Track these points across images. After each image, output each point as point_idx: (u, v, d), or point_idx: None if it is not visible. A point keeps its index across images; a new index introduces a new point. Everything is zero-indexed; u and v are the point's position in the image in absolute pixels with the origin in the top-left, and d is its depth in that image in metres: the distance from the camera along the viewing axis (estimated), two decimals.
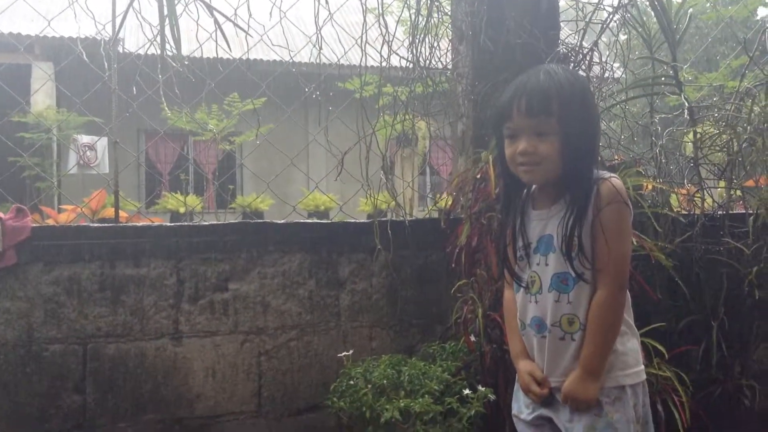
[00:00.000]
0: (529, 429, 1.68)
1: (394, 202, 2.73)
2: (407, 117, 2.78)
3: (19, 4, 2.84)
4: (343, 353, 2.19)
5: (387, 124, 2.78)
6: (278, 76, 3.17)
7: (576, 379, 1.56)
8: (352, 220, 2.63)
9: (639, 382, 1.59)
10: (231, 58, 2.76)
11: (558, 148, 1.52)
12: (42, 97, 9.48)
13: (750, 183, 2.94)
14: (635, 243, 2.33)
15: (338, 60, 2.58)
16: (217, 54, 2.63)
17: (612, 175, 1.57)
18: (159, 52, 2.34)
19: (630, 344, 1.59)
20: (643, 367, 1.61)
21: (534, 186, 1.68)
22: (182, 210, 7.69)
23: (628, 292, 1.60)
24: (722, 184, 2.95)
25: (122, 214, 2.67)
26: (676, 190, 2.78)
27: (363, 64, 2.51)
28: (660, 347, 2.35)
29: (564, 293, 1.56)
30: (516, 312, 1.69)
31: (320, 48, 2.50)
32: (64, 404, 2.33)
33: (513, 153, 1.57)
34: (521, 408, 1.70)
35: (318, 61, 2.55)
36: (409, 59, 2.63)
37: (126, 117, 3.01)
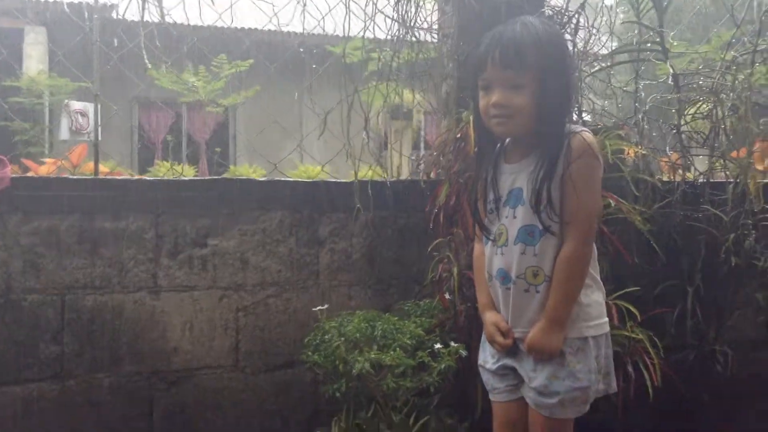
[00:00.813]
0: (494, 378, 1.70)
1: (380, 168, 2.73)
2: (395, 84, 2.78)
3: None
4: (318, 307, 2.20)
5: (374, 90, 2.77)
6: (266, 42, 3.16)
7: (540, 329, 1.58)
8: (333, 180, 2.63)
9: (602, 334, 1.61)
10: (217, 24, 2.74)
11: (532, 101, 1.52)
12: (34, 63, 9.41)
13: (733, 154, 2.95)
14: (612, 205, 2.35)
15: (323, 17, 2.56)
16: (200, 16, 2.62)
17: (583, 129, 1.58)
18: (141, 13, 2.34)
19: (594, 297, 1.61)
20: (606, 319, 1.64)
21: (507, 140, 1.68)
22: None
23: (594, 246, 1.61)
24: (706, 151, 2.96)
25: (103, 168, 2.67)
26: (658, 157, 2.79)
27: (347, 22, 2.49)
28: (633, 310, 2.38)
29: (530, 245, 1.57)
30: (484, 265, 1.70)
31: (305, 4, 2.48)
32: (41, 354, 2.35)
33: (486, 105, 1.58)
34: (486, 358, 1.73)
35: (302, 19, 2.54)
36: (395, 18, 2.62)
37: (118, 86, 3.00)
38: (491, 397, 1.76)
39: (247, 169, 7.81)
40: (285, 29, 2.82)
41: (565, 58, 1.60)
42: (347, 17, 2.51)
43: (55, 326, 2.36)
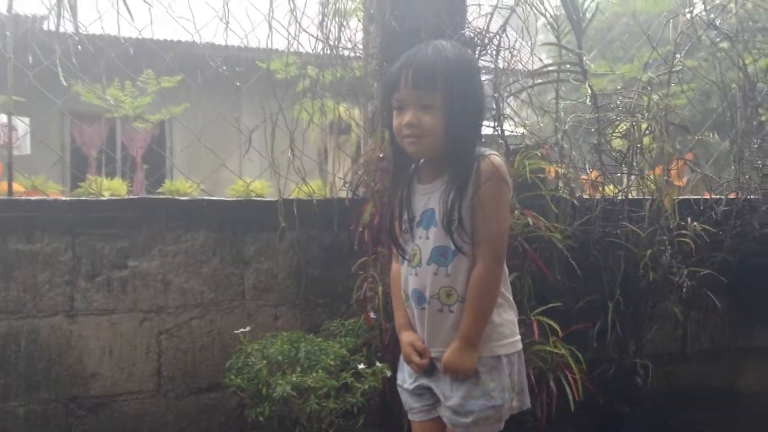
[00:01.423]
0: (412, 398, 1.71)
1: (328, 188, 2.72)
2: (320, 101, 2.78)
3: None
4: (240, 330, 2.16)
5: (300, 108, 2.77)
6: (198, 54, 3.10)
7: (455, 349, 1.59)
8: (260, 198, 2.61)
9: (514, 352, 1.63)
10: (138, 37, 2.68)
11: (441, 122, 1.54)
12: None
13: (649, 173, 3.05)
14: (531, 223, 2.40)
15: (246, 35, 2.54)
16: (119, 29, 2.56)
17: (492, 152, 1.61)
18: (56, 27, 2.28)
19: (506, 316, 1.63)
20: (519, 337, 1.66)
21: (422, 160, 1.70)
22: (107, 194, 7.47)
23: (505, 266, 1.64)
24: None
25: (18, 187, 2.57)
26: (578, 175, 2.86)
27: (270, 40, 2.48)
28: (555, 325, 2.43)
29: (443, 266, 1.59)
30: (401, 284, 1.71)
31: (227, 23, 2.46)
32: None
33: (399, 124, 1.59)
34: (405, 378, 1.73)
35: (226, 36, 2.52)
36: (319, 38, 2.62)
37: (48, 98, 2.90)
38: (410, 416, 1.76)
39: (183, 183, 7.66)
40: (215, 42, 2.79)
41: (474, 82, 1.63)
42: (270, 36, 2.50)
43: None
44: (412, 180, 1.69)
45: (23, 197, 2.42)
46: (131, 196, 2.43)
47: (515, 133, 2.78)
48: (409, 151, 1.62)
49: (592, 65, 2.86)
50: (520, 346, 1.66)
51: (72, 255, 2.36)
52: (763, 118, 3.10)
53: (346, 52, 2.61)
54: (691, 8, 3.05)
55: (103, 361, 2.38)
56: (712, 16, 3.12)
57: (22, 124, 8.65)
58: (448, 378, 1.62)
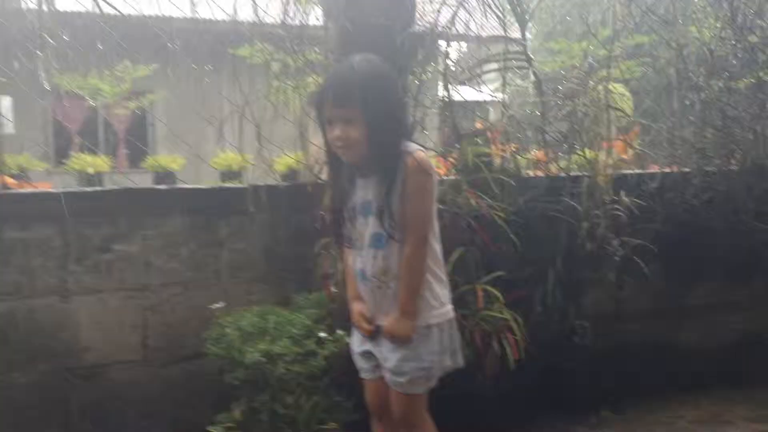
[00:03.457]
0: (361, 360, 2.02)
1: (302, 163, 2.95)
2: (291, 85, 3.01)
3: None
4: (215, 305, 2.44)
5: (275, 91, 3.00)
6: (181, 34, 3.27)
7: (394, 319, 1.88)
8: (231, 185, 2.87)
9: (444, 321, 1.92)
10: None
11: (364, 132, 1.79)
12: None
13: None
14: (474, 204, 2.67)
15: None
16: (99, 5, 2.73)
17: (418, 148, 1.87)
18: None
19: (436, 290, 1.91)
20: (449, 308, 1.95)
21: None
22: (91, 171, 7.64)
23: (433, 244, 1.91)
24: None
25: (9, 180, 2.81)
26: (522, 155, 3.13)
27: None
28: (497, 293, 2.73)
29: (379, 249, 1.87)
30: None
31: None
32: None
33: (331, 137, 1.85)
34: (355, 343, 2.03)
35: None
36: (283, 33, 2.85)
37: (30, 76, 3.07)
38: (360, 374, 2.07)
39: (166, 158, 7.84)
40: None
41: (389, 92, 1.86)
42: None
43: None
44: (353, 175, 1.95)
45: (15, 190, 2.66)
46: (114, 187, 2.66)
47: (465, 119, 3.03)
48: (343, 158, 1.88)
49: (532, 57, 3.08)
50: (450, 315, 1.95)
51: (62, 241, 2.61)
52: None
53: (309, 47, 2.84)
54: None
55: (94, 335, 2.65)
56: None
57: (4, 104, 8.77)
58: (388, 343, 1.91)
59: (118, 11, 2.76)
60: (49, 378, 2.62)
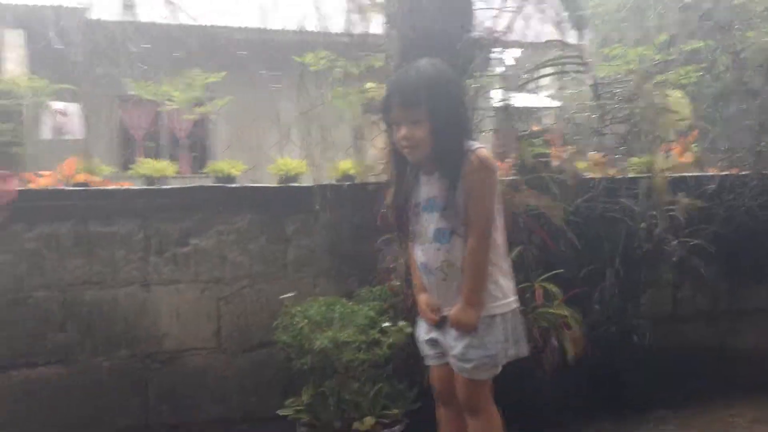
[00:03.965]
0: (426, 347, 2.12)
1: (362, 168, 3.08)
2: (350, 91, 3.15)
3: None
4: (285, 295, 2.59)
5: (337, 96, 3.15)
6: (247, 44, 3.47)
7: (459, 309, 1.98)
8: (298, 185, 3.02)
9: (508, 311, 2.01)
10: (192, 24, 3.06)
11: (429, 132, 1.90)
12: (12, 65, 9.61)
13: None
14: (532, 203, 2.75)
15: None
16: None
17: (480, 146, 1.97)
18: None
19: (500, 282, 2.00)
20: (513, 299, 2.03)
21: None
22: (156, 175, 7.96)
23: (497, 238, 2.00)
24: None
25: (94, 178, 3.02)
26: (582, 157, 3.19)
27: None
28: (556, 290, 2.80)
29: (443, 243, 1.97)
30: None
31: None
32: (49, 342, 2.72)
33: (397, 138, 1.96)
34: (420, 332, 2.14)
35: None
36: (347, 41, 3.00)
37: (100, 84, 3.29)
38: (426, 361, 2.17)
39: (226, 163, 8.10)
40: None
41: (452, 93, 1.97)
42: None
43: (59, 318, 2.73)
44: (418, 172, 2.06)
45: (102, 187, 2.87)
46: (191, 185, 2.85)
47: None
48: (408, 158, 1.99)
49: (589, 59, 3.15)
50: (514, 306, 2.03)
51: (143, 235, 2.80)
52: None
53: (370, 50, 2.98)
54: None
55: (172, 323, 2.83)
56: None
57: (75, 111, 9.22)
58: (454, 332, 2.01)
59: (194, 21, 2.94)
60: (130, 362, 2.81)
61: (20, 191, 2.70)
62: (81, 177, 3.04)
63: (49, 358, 2.72)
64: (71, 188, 2.82)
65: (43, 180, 2.96)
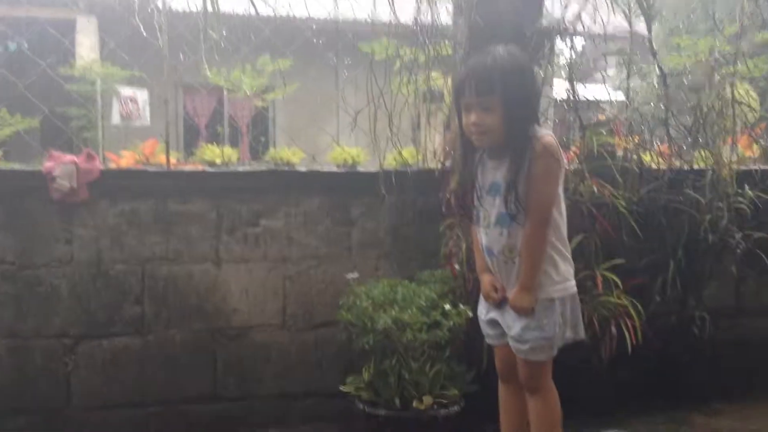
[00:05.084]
0: (487, 327, 2.19)
1: (421, 156, 3.16)
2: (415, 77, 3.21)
3: None
4: (350, 275, 2.68)
5: (400, 83, 3.21)
6: (318, 34, 3.56)
7: (517, 291, 2.04)
8: (364, 170, 3.11)
9: (566, 296, 2.05)
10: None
11: (500, 120, 1.95)
12: (86, 51, 10.00)
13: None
14: (596, 191, 2.77)
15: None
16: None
17: (547, 133, 2.01)
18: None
19: (560, 266, 2.05)
20: (571, 283, 2.08)
21: None
22: (218, 161, 8.20)
23: (559, 224, 2.04)
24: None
25: (171, 160, 3.16)
26: (647, 147, 3.18)
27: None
28: (616, 279, 2.81)
29: (505, 227, 2.03)
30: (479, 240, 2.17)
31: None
32: (126, 314, 2.88)
33: (467, 123, 2.02)
34: (481, 311, 2.20)
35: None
36: (416, 29, 3.06)
37: (168, 72, 3.43)
38: (487, 341, 2.24)
39: (286, 151, 8.27)
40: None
41: (525, 81, 2.00)
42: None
43: (137, 291, 2.89)
44: (483, 156, 2.11)
45: (180, 169, 3.02)
46: (263, 168, 2.96)
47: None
48: (476, 143, 2.05)
49: (657, 48, 3.12)
50: (572, 290, 2.08)
51: (216, 214, 2.94)
52: None
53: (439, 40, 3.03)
54: None
55: (241, 300, 2.96)
56: None
57: (141, 97, 9.52)
58: (513, 313, 2.06)
59: (274, 11, 3.04)
60: (200, 336, 2.96)
61: (104, 171, 2.86)
62: (160, 158, 3.20)
63: (126, 329, 2.88)
64: (152, 169, 2.97)
65: (124, 161, 3.12)
